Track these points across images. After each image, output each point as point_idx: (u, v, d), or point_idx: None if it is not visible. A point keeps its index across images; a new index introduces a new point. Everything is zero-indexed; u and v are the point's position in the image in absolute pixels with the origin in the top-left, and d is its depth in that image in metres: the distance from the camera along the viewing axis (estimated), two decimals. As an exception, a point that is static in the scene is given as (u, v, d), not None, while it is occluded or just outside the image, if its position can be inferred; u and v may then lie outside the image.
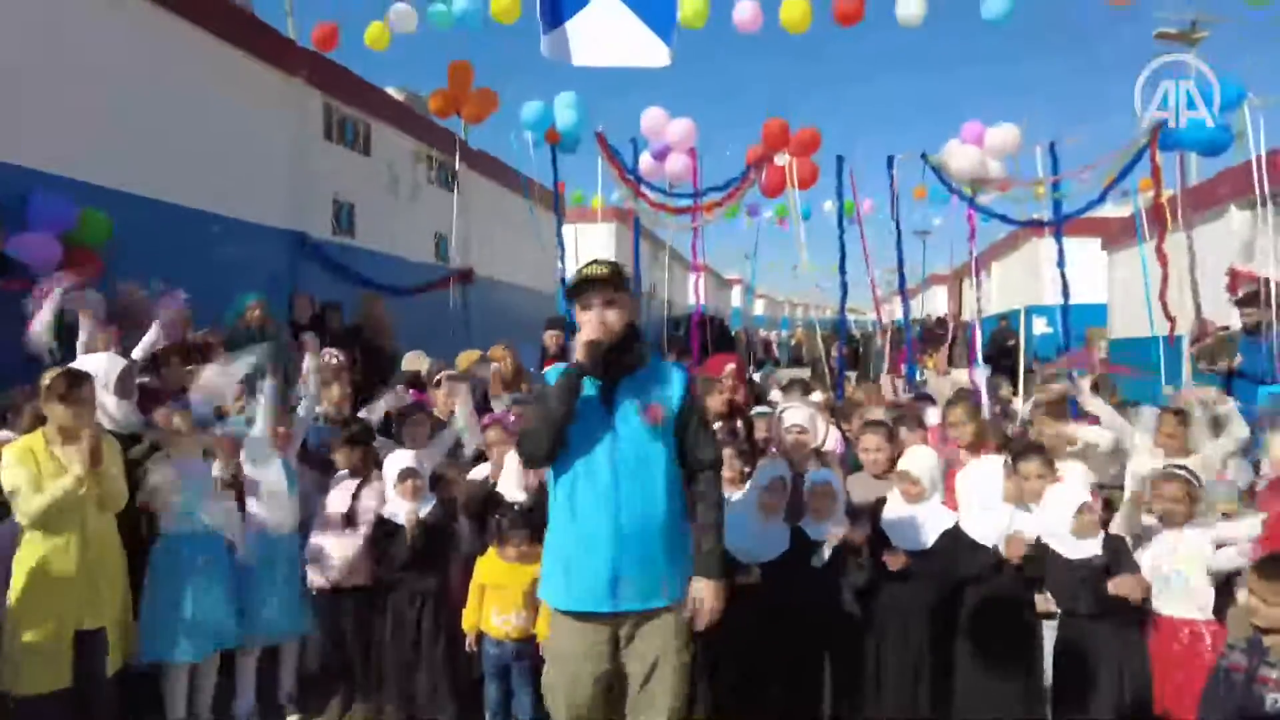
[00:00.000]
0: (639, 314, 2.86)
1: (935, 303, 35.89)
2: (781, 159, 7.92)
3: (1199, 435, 4.25)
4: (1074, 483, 3.90)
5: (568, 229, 9.82)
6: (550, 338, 7.62)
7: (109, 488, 3.51)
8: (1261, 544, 3.33)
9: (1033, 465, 3.89)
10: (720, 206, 8.30)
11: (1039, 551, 3.67)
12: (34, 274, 5.17)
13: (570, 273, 9.62)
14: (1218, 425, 4.37)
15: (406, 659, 4.01)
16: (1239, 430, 4.37)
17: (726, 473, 4.11)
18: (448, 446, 4.65)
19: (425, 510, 4.06)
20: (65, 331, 4.88)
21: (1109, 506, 4.04)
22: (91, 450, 3.35)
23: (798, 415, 4.24)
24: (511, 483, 4.22)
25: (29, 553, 3.38)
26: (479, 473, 4.52)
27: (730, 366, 5.64)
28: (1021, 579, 3.72)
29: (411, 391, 5.65)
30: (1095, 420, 4.74)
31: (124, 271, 6.09)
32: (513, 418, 4.77)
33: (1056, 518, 3.65)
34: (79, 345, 4.62)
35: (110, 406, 3.98)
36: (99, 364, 4.05)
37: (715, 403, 4.91)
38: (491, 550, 3.96)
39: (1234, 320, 7.73)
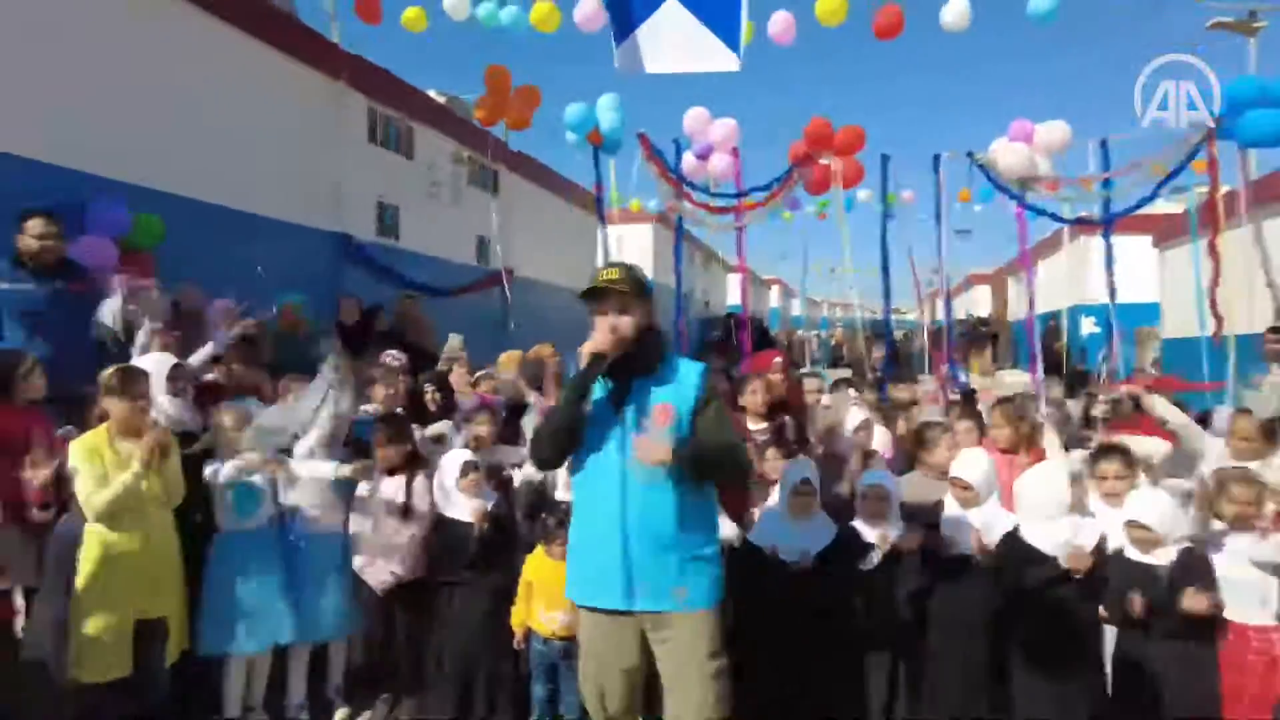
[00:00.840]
0: (655, 315, 2.91)
1: (977, 303, 35.31)
2: (825, 158, 7.83)
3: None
4: (1153, 496, 3.73)
5: (609, 230, 9.85)
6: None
7: (170, 482, 3.65)
8: None
9: (1114, 465, 3.79)
10: (764, 206, 8.22)
11: (1102, 559, 3.57)
12: (93, 277, 5.30)
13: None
14: None
15: (471, 656, 4.03)
16: None
17: (771, 473, 4.09)
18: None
19: (489, 505, 4.10)
20: (126, 330, 5.01)
21: None
22: (157, 446, 3.48)
23: (862, 413, 4.20)
24: (560, 482, 4.23)
25: (93, 545, 3.49)
26: (530, 472, 4.52)
27: (777, 360, 5.56)
28: (1084, 586, 3.63)
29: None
30: (1150, 430, 4.58)
31: (175, 274, 6.23)
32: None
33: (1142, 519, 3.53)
34: (137, 345, 4.73)
35: (164, 404, 4.07)
36: (150, 363, 4.17)
37: (755, 401, 4.84)
38: (540, 548, 3.97)
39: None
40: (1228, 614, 3.36)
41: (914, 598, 3.76)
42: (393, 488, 4.23)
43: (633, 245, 18.56)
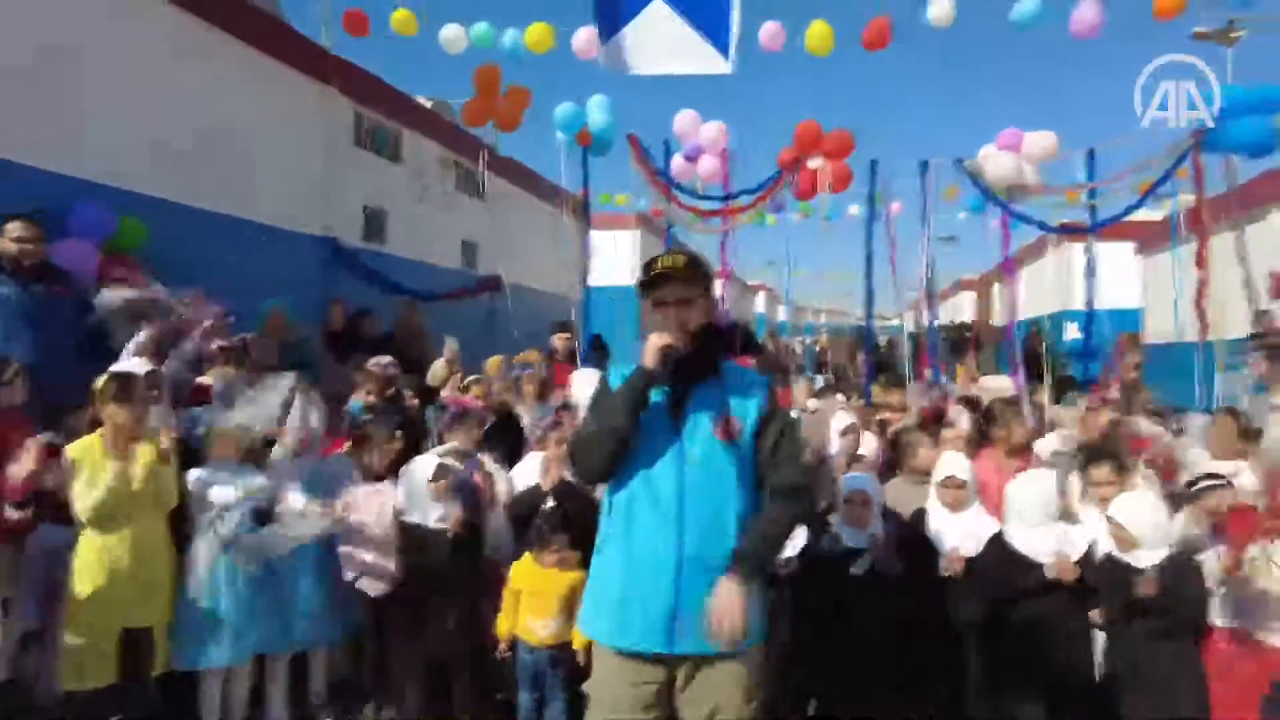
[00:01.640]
0: (716, 313, 2.61)
1: (961, 309, 35.52)
2: (814, 162, 7.86)
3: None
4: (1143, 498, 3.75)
5: (593, 235, 9.83)
6: (559, 340, 7.61)
7: (163, 486, 3.63)
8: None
9: (1104, 471, 3.81)
10: (751, 209, 8.23)
11: (1091, 566, 3.59)
12: (75, 281, 5.24)
13: (596, 279, 9.72)
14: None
15: (440, 665, 4.00)
16: None
17: None
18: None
19: (459, 512, 4.05)
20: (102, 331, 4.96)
21: None
22: (150, 448, 3.51)
23: (848, 418, 4.20)
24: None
25: (85, 550, 3.49)
26: (521, 476, 4.49)
27: (751, 363, 5.58)
28: (1072, 591, 3.64)
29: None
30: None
31: (159, 278, 6.16)
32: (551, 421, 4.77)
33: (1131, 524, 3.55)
34: (126, 348, 4.66)
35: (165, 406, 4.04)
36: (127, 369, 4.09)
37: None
38: (528, 555, 3.94)
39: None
40: (1210, 618, 3.39)
41: (900, 601, 3.77)
42: (380, 492, 4.19)
43: (619, 250, 18.52)
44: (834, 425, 4.30)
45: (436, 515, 4.04)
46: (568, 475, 4.00)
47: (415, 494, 4.11)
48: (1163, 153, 7.47)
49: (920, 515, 3.99)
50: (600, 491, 2.71)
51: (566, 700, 3.83)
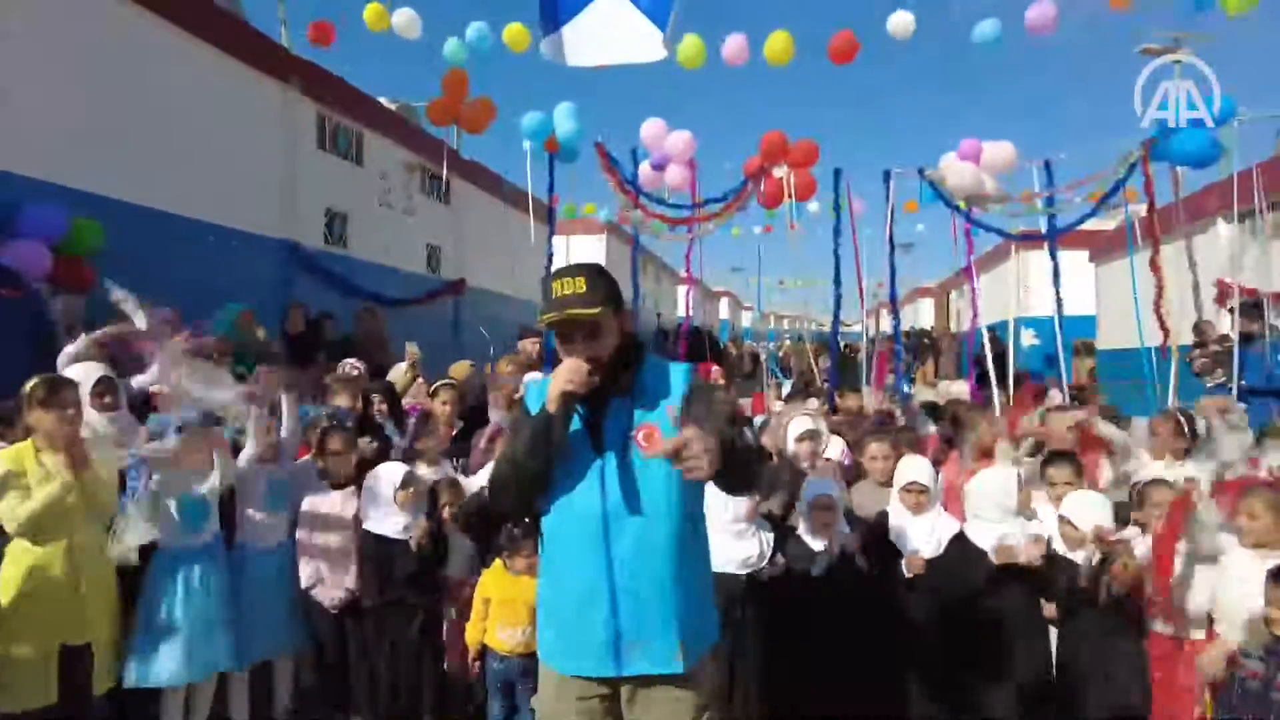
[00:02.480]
0: (634, 323, 2.36)
1: (920, 316, 36.14)
2: (779, 171, 7.95)
3: (1223, 443, 4.17)
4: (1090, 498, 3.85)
5: (559, 240, 9.81)
6: (529, 344, 7.57)
7: (98, 495, 3.44)
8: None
9: (1064, 472, 3.91)
10: (718, 217, 8.30)
11: (1048, 562, 3.68)
12: (26, 283, 5.08)
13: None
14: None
15: (404, 676, 3.94)
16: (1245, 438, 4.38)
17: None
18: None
19: (421, 520, 3.99)
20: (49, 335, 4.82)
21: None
22: (73, 454, 3.29)
23: (805, 423, 4.22)
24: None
25: (14, 564, 3.31)
26: (476, 484, 4.45)
27: (715, 369, 5.63)
28: (1028, 586, 3.73)
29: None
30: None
31: (115, 281, 6.00)
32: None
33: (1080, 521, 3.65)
34: (65, 353, 4.52)
35: (91, 418, 3.86)
36: (77, 374, 3.96)
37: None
38: (497, 563, 3.90)
39: (1224, 329, 7.83)
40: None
41: (863, 601, 3.82)
42: (341, 500, 4.13)
43: (585, 255, 18.55)
44: (791, 430, 4.31)
45: (400, 524, 3.97)
46: None
47: (379, 502, 4.02)
48: (1113, 163, 7.69)
49: (884, 518, 4.05)
50: None
51: (537, 709, 3.81)
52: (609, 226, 19.11)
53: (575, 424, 2.28)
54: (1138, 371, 7.67)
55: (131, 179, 6.89)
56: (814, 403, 5.33)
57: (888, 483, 4.17)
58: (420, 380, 5.86)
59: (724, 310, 43.94)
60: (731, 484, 2.28)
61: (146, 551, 3.73)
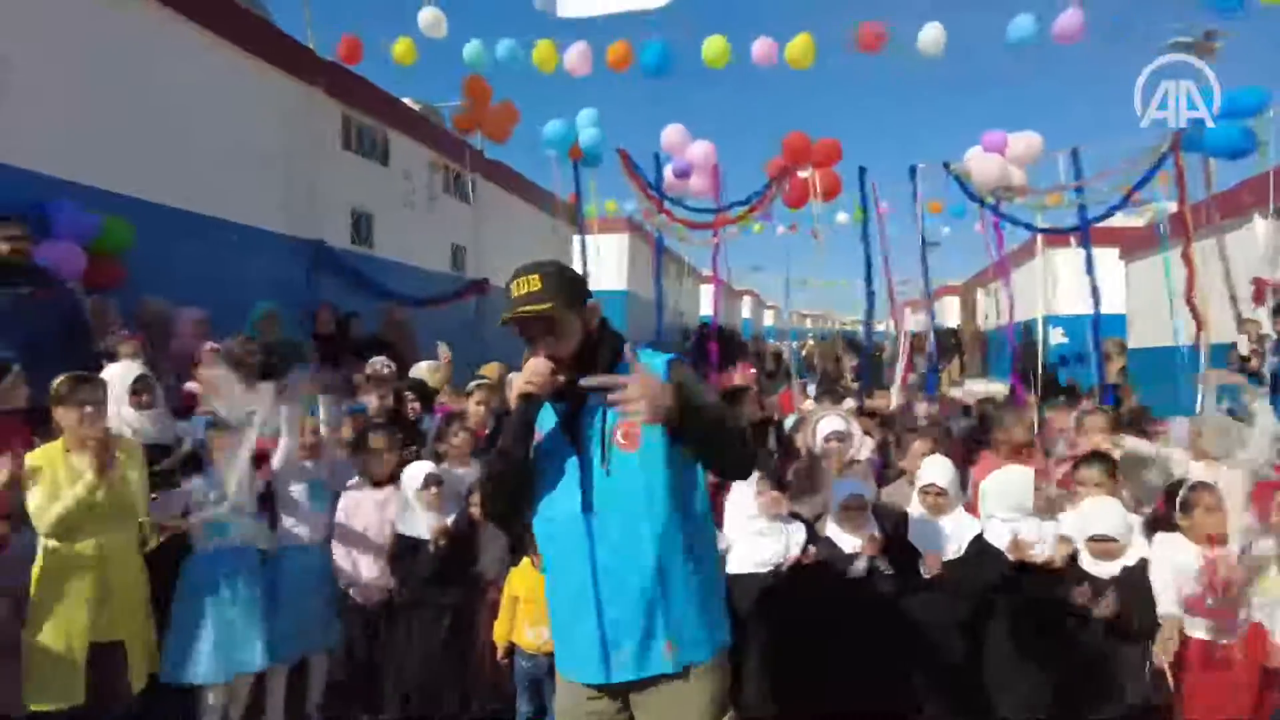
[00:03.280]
0: (597, 315, 2.25)
1: (945, 314, 35.75)
2: (804, 171, 7.91)
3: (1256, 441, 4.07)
4: (1108, 505, 3.79)
5: (585, 239, 9.82)
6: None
7: (125, 496, 3.44)
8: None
9: (1094, 473, 3.84)
10: (741, 220, 8.29)
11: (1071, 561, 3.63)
12: (60, 282, 5.16)
13: (589, 283, 9.72)
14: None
15: (432, 675, 3.94)
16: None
17: (758, 495, 4.02)
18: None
19: (449, 520, 3.97)
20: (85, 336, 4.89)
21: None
22: (98, 454, 3.27)
23: (834, 423, 4.18)
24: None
25: (43, 563, 3.32)
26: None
27: (752, 372, 5.60)
28: (1049, 585, 3.67)
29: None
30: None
31: (145, 280, 6.09)
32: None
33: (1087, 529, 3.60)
34: (101, 347, 4.59)
35: (129, 417, 3.91)
36: (114, 373, 4.00)
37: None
38: (525, 561, 3.89)
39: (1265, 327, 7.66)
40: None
41: (890, 601, 3.80)
42: (381, 499, 4.14)
43: (608, 254, 18.54)
44: (820, 429, 4.27)
45: (424, 524, 3.95)
46: None
47: (406, 502, 4.03)
48: (1143, 154, 7.56)
49: (904, 520, 4.01)
50: None
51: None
52: (631, 225, 19.09)
53: (552, 423, 2.25)
54: (1170, 370, 7.54)
55: (160, 179, 6.97)
56: (849, 403, 5.26)
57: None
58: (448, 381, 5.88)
59: (746, 309, 43.77)
60: (701, 447, 2.18)
61: (179, 551, 3.79)
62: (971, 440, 5.11)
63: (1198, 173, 7.82)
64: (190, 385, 4.95)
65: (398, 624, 4.00)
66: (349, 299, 9.01)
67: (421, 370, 6.18)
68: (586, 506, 2.19)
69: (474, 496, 4.16)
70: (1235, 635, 3.27)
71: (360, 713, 4.08)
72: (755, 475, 3.76)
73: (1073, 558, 3.67)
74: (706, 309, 29.87)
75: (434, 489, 4.00)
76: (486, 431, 4.91)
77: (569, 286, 2.23)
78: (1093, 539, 3.61)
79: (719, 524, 3.90)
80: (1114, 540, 3.58)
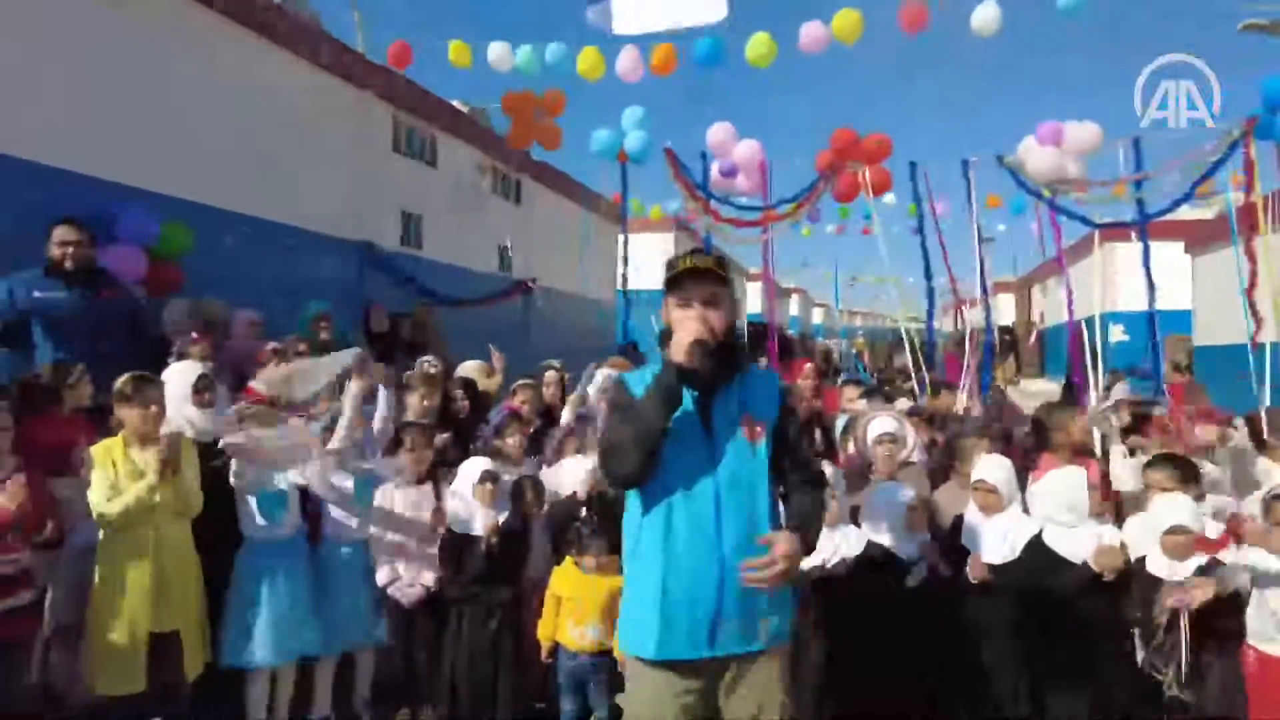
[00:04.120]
0: (741, 314, 2.62)
1: (998, 311, 34.90)
2: (854, 166, 7.78)
3: None
4: (1179, 500, 3.64)
5: (631, 238, 9.81)
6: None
7: (184, 494, 3.56)
8: None
9: (1163, 474, 3.69)
10: (790, 216, 8.18)
11: (1129, 565, 3.49)
12: (123, 285, 5.31)
13: (632, 282, 9.69)
14: None
15: (480, 673, 3.95)
16: None
17: None
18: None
19: (502, 518, 3.97)
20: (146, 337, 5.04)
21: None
22: (167, 456, 3.41)
23: (886, 424, 4.08)
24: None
25: (105, 556, 3.46)
26: (555, 480, 4.44)
27: (809, 367, 5.52)
28: (1111, 591, 3.54)
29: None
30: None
31: (202, 282, 6.25)
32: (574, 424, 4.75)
33: (1156, 530, 3.45)
34: (173, 353, 4.72)
35: (192, 415, 4.01)
36: (176, 372, 4.11)
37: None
38: (568, 561, 3.89)
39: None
40: (1254, 641, 3.23)
41: (947, 607, 3.70)
42: (421, 496, 4.18)
43: (655, 252, 18.54)
44: (871, 431, 4.17)
45: (478, 520, 3.96)
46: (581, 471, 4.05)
47: (459, 497, 4.05)
48: (1212, 144, 7.25)
49: (959, 521, 3.90)
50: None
51: (610, 706, 3.78)
52: (676, 223, 19.03)
53: (688, 405, 2.37)
54: (1241, 368, 7.21)
55: (216, 184, 7.15)
56: (904, 403, 5.12)
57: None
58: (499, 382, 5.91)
59: (794, 307, 43.39)
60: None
61: (232, 543, 3.89)
62: (1034, 447, 4.94)
63: (1269, 162, 7.49)
64: (253, 384, 5.05)
65: (446, 620, 4.03)
66: (400, 300, 9.14)
67: (470, 369, 6.20)
68: (718, 484, 2.35)
69: (528, 495, 4.19)
70: None
71: (407, 708, 4.12)
72: None
73: (1141, 563, 3.53)
74: (753, 307, 29.69)
75: (490, 485, 4.00)
76: (532, 430, 4.93)
77: (729, 273, 2.47)
78: (1170, 531, 3.43)
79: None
80: (1190, 531, 3.41)
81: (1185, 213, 9.18)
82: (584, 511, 4.08)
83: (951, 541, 3.86)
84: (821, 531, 2.48)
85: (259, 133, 7.74)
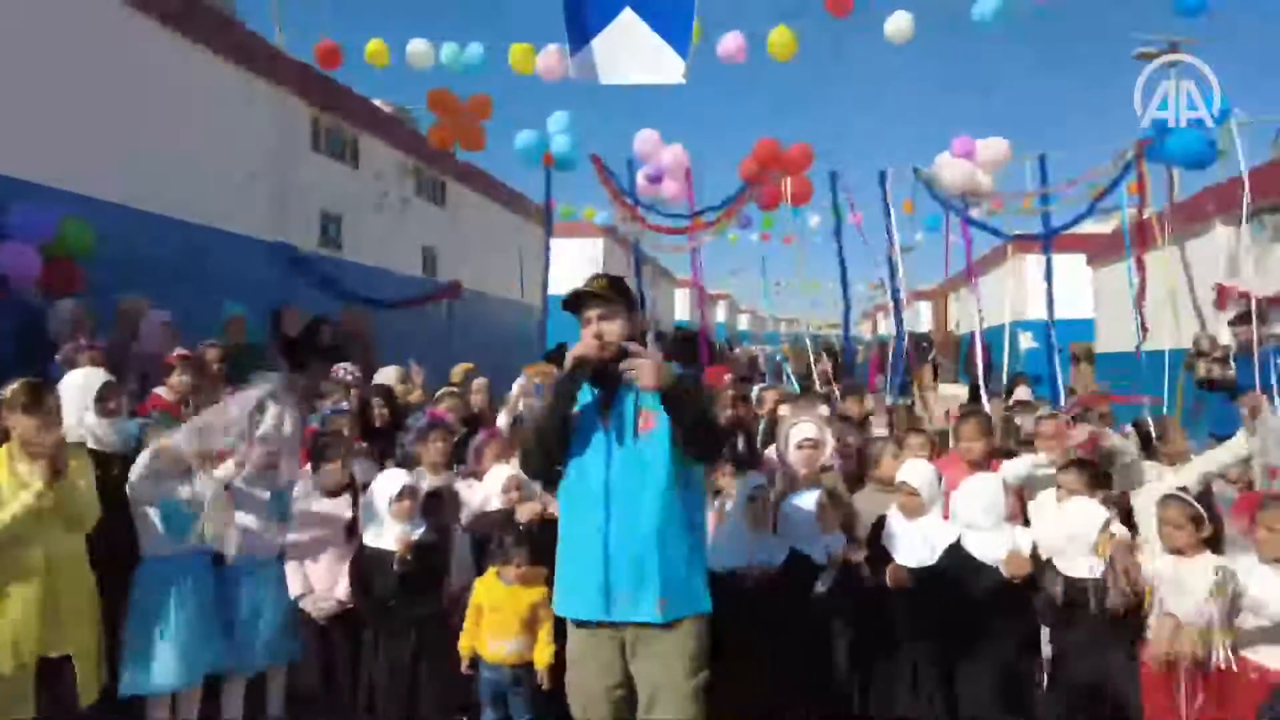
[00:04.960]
0: (641, 326, 2.97)
1: (918, 319, 36.04)
2: (775, 176, 7.94)
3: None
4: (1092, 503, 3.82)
5: (556, 243, 9.77)
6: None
7: (75, 505, 3.33)
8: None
9: (1071, 477, 3.86)
10: (717, 225, 8.30)
11: (1038, 567, 3.65)
12: (12, 286, 5.02)
13: (559, 287, 9.68)
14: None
15: (400, 685, 3.87)
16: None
17: (726, 488, 4.07)
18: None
19: (417, 533, 3.86)
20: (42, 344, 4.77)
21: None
22: (51, 463, 3.18)
23: (806, 430, 4.17)
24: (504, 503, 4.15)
25: None
26: (476, 493, 4.38)
27: (727, 378, 5.60)
28: (1020, 595, 3.68)
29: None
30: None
31: (108, 284, 5.95)
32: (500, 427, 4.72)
33: (1070, 533, 3.61)
34: (57, 358, 4.47)
35: (93, 425, 3.81)
36: (75, 380, 3.89)
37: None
38: (490, 571, 3.84)
39: (1223, 336, 7.80)
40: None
41: (864, 609, 3.80)
42: (337, 508, 4.06)
43: (582, 258, 18.49)
44: (792, 436, 4.25)
45: (394, 536, 3.83)
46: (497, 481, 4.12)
47: (374, 513, 3.91)
48: (1110, 162, 7.67)
49: (881, 523, 4.01)
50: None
51: (531, 719, 3.75)
52: (606, 230, 19.05)
53: (588, 398, 2.78)
54: (1135, 375, 7.64)
55: (123, 180, 6.83)
56: (824, 409, 5.23)
57: (889, 489, 4.14)
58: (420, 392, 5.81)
59: (721, 313, 43.93)
60: (683, 422, 2.69)
61: (131, 560, 3.70)
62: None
63: (1161, 181, 7.98)
64: (158, 390, 4.85)
65: (362, 635, 3.92)
66: (319, 303, 8.89)
67: (388, 375, 6.08)
68: (609, 473, 2.71)
69: (448, 507, 4.11)
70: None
71: (324, 724, 4.01)
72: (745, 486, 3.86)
73: (1049, 562, 3.67)
74: (680, 313, 29.91)
75: (407, 502, 3.88)
76: (457, 439, 4.87)
77: (626, 292, 2.86)
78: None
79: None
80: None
81: (1089, 226, 9.66)
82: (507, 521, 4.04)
83: (872, 544, 3.96)
84: (696, 401, 2.74)
85: (171, 128, 7.42)
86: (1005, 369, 8.83)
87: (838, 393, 7.01)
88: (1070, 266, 13.28)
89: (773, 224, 12.62)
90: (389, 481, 3.94)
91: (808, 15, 7.68)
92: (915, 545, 3.84)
